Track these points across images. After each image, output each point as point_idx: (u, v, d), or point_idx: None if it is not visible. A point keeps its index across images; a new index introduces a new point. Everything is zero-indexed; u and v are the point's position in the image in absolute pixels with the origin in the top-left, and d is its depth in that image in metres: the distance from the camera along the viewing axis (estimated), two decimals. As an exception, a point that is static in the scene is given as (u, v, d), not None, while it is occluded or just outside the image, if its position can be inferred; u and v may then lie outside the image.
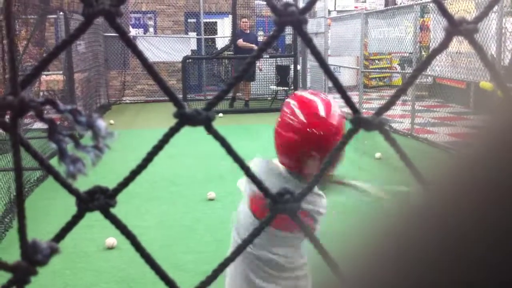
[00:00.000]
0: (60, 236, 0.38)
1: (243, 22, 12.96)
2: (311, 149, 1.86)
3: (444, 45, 0.39)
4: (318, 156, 1.86)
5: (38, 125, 6.96)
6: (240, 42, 12.66)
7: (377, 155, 7.47)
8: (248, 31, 12.99)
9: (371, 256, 0.32)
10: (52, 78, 10.01)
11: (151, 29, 16.05)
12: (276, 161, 2.01)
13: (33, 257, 0.36)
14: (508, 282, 0.25)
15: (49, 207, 5.56)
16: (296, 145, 1.89)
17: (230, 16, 13.74)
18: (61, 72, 9.65)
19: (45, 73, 9.34)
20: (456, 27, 0.38)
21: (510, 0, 7.81)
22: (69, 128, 0.42)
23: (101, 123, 0.41)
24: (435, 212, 0.29)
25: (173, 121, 0.40)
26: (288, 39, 15.18)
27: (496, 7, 6.68)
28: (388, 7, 13.44)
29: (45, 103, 0.38)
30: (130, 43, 0.38)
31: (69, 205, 0.44)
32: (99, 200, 0.38)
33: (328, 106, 1.91)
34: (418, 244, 0.29)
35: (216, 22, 16.43)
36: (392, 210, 0.32)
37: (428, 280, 0.27)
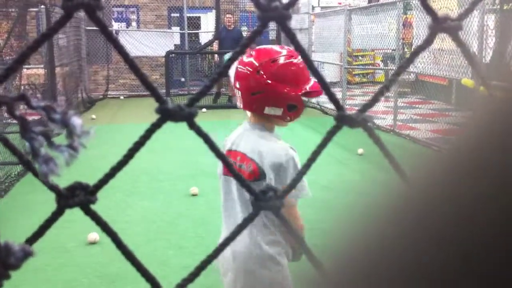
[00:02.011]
0: (39, 233, 0.38)
1: (227, 18, 12.88)
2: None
3: (428, 42, 0.39)
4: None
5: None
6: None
7: (360, 151, 7.51)
8: (232, 27, 12.92)
9: (354, 251, 0.32)
10: (33, 72, 9.90)
11: (134, 23, 15.93)
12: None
13: (6, 261, 0.35)
14: (490, 279, 0.26)
15: (29, 202, 5.51)
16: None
17: (214, 11, 13.69)
18: (42, 66, 9.54)
19: (26, 66, 9.24)
20: (440, 24, 0.38)
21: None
22: (44, 124, 0.41)
23: (77, 120, 0.39)
24: (416, 209, 0.30)
25: (156, 116, 0.40)
26: (272, 35, 15.17)
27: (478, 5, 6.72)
28: (372, 4, 13.49)
29: (18, 99, 0.36)
30: (111, 37, 0.37)
31: (50, 200, 0.44)
32: (79, 197, 0.37)
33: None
34: (400, 241, 0.29)
35: (199, 17, 16.37)
36: (374, 206, 0.32)
37: (411, 275, 0.27)
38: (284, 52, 2.11)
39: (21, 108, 0.40)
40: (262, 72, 2.04)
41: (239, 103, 2.13)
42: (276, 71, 2.05)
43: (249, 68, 2.06)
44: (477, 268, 0.26)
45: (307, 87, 2.10)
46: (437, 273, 0.27)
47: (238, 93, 2.13)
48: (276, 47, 2.19)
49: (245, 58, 2.12)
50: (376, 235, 0.31)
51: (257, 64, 2.05)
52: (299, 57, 2.11)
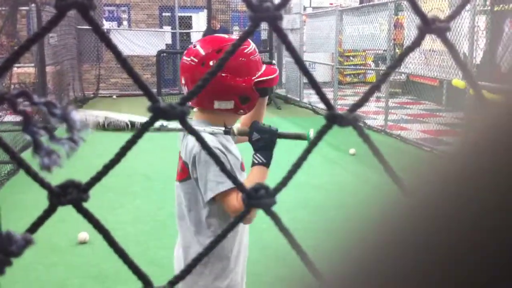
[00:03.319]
0: (31, 230, 0.38)
1: (212, 22, 12.91)
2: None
3: (416, 43, 0.40)
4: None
5: (9, 118, 6.84)
6: None
7: (351, 151, 7.52)
8: (218, 27, 12.92)
9: (351, 255, 0.32)
10: (24, 70, 9.84)
11: (125, 23, 15.89)
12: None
13: (8, 248, 0.36)
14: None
15: (20, 201, 5.48)
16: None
17: (206, 10, 13.68)
18: (32, 64, 9.49)
19: (17, 65, 9.19)
20: (428, 26, 0.39)
21: (482, -1, 7.93)
22: (42, 121, 0.42)
23: (76, 115, 0.40)
24: (414, 217, 0.29)
25: (147, 115, 0.40)
26: (264, 35, 15.17)
27: (468, 6, 6.77)
28: (363, 4, 13.52)
29: (19, 95, 0.37)
30: (104, 37, 0.38)
31: (41, 199, 0.44)
32: (71, 195, 0.37)
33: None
34: (397, 251, 0.29)
35: (191, 16, 16.34)
36: (372, 212, 0.32)
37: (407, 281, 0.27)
38: (232, 41, 1.90)
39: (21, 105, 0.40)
40: (207, 64, 1.85)
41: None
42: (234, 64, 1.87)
43: (194, 59, 1.89)
44: (479, 275, 0.26)
45: (258, 74, 1.94)
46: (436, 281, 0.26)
47: (185, 89, 1.95)
48: (224, 36, 2.04)
49: (190, 49, 1.94)
50: (372, 241, 0.30)
51: (202, 55, 1.88)
52: (251, 46, 1.97)
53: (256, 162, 1.88)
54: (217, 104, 1.91)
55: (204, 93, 1.84)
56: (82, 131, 0.40)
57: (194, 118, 2.00)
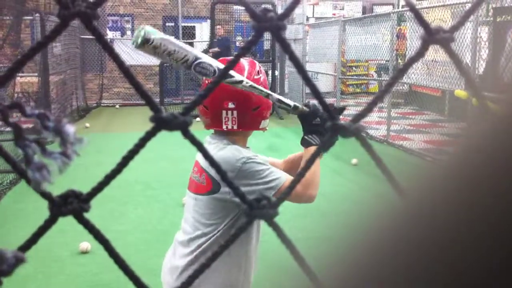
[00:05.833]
0: (32, 241, 0.38)
1: (217, 29, 13.07)
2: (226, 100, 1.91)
3: (420, 53, 0.40)
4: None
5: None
6: None
7: (354, 161, 7.52)
8: (220, 37, 13.08)
9: (350, 261, 0.32)
10: (27, 80, 9.88)
11: (129, 32, 15.95)
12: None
13: (-2, 268, 0.35)
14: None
15: (22, 210, 5.48)
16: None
17: (209, 20, 13.74)
18: (36, 74, 9.53)
19: (20, 74, 9.22)
20: (432, 36, 0.39)
21: (485, 10, 7.94)
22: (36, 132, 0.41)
23: (70, 128, 0.39)
24: (411, 218, 0.30)
25: (150, 125, 0.40)
26: (266, 45, 15.21)
27: (471, 17, 6.77)
28: (366, 15, 13.56)
29: (12, 107, 0.36)
30: (107, 46, 0.38)
31: (43, 209, 0.44)
32: (72, 205, 0.37)
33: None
34: (396, 251, 0.29)
35: (194, 27, 16.40)
36: (371, 215, 0.33)
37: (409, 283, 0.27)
38: (247, 61, 1.97)
39: (15, 116, 0.40)
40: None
41: (226, 126, 1.91)
42: (263, 82, 1.93)
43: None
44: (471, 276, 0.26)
45: None
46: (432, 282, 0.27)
47: (225, 114, 1.90)
48: (244, 59, 1.99)
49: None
50: (373, 245, 0.31)
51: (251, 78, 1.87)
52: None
53: (314, 142, 1.92)
54: (262, 123, 1.96)
55: (256, 114, 1.91)
56: (76, 144, 0.39)
57: (213, 141, 1.97)
